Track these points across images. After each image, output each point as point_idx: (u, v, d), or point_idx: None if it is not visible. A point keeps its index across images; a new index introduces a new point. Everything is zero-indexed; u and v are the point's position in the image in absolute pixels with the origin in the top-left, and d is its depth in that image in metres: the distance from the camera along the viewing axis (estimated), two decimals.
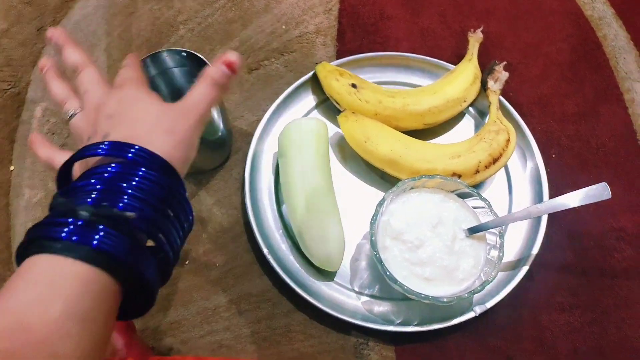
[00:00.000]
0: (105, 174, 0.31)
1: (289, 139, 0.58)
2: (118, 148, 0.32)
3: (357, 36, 0.73)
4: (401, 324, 0.54)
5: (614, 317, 0.56)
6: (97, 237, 0.28)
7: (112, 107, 0.36)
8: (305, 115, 0.66)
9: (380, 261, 0.50)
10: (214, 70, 0.38)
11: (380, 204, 0.53)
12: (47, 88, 0.41)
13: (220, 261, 0.59)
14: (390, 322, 0.54)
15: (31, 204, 0.63)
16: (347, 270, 0.57)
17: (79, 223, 0.28)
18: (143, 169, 0.32)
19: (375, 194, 0.61)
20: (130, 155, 0.32)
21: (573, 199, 0.50)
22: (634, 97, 0.68)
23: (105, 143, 0.32)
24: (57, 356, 0.25)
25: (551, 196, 0.59)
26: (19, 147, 0.66)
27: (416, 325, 0.53)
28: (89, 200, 0.29)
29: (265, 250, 0.56)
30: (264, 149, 0.63)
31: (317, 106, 0.66)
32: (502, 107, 0.64)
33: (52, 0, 0.77)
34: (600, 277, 0.58)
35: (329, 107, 0.66)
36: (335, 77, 0.63)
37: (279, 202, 0.60)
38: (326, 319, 0.55)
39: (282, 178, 0.58)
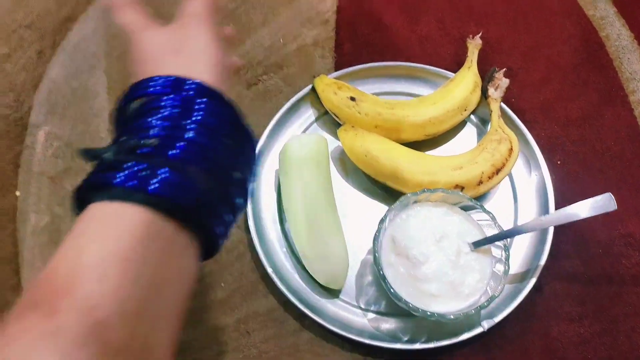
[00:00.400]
0: (163, 110, 0.31)
1: (289, 157, 0.58)
2: (176, 85, 0.32)
3: (355, 47, 0.72)
4: (409, 341, 0.53)
5: (624, 327, 0.55)
6: (154, 181, 0.27)
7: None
8: (306, 129, 0.65)
9: (384, 278, 0.50)
10: None
11: (382, 220, 0.53)
12: None
13: (226, 281, 0.59)
14: (398, 340, 0.54)
15: (38, 229, 0.63)
16: (353, 287, 0.57)
17: (135, 168, 0.27)
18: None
19: (378, 208, 0.61)
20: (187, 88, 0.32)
21: (578, 211, 0.49)
22: (639, 98, 0.67)
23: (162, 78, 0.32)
24: (90, 299, 0.24)
25: (557, 204, 0.58)
26: (23, 173, 0.67)
27: (424, 342, 0.53)
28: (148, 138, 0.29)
29: (270, 269, 0.56)
30: (265, 167, 0.63)
31: (317, 119, 0.66)
32: (504, 114, 0.63)
33: (51, 23, 0.78)
34: (609, 285, 0.57)
35: (330, 119, 0.66)
36: (334, 90, 0.62)
37: (281, 220, 0.60)
38: (333, 337, 0.55)
39: (284, 196, 0.58)
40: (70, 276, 0.25)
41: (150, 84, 0.32)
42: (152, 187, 0.27)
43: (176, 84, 0.32)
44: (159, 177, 0.27)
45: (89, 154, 0.30)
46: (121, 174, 0.27)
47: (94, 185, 0.28)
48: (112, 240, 0.26)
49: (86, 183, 0.29)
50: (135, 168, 0.27)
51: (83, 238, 0.27)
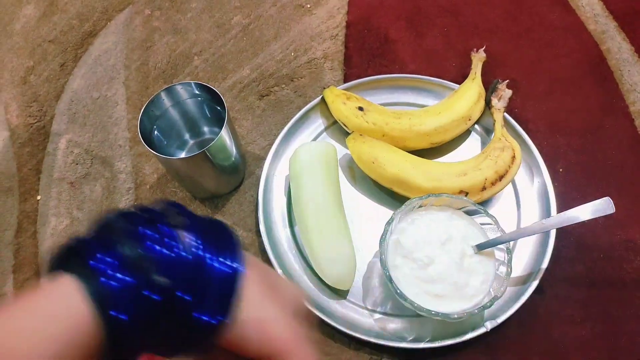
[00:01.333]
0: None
1: (300, 163, 0.60)
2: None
3: (363, 60, 0.75)
4: (414, 340, 0.55)
5: (626, 329, 0.56)
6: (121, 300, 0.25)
7: None
8: (315, 138, 0.68)
9: (391, 279, 0.52)
10: None
11: (389, 223, 0.55)
12: None
13: None
14: (403, 339, 0.55)
15: (57, 231, 0.66)
16: (360, 289, 0.59)
17: (123, 279, 0.25)
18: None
19: (384, 213, 0.63)
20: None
21: (578, 214, 0.51)
22: (639, 109, 0.69)
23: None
24: None
25: (559, 210, 0.60)
26: (45, 178, 0.70)
27: (428, 341, 0.54)
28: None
29: (280, 271, 0.58)
30: (276, 173, 0.65)
31: (326, 129, 0.69)
32: (507, 124, 0.65)
33: (74, 38, 0.82)
34: (610, 289, 0.58)
35: (338, 129, 0.68)
36: (343, 101, 0.65)
37: (291, 223, 0.62)
38: (341, 337, 0.56)
39: (294, 200, 0.61)
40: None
41: None
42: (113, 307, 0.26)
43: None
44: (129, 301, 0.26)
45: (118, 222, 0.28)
46: (111, 272, 0.26)
47: (79, 250, 0.27)
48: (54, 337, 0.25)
49: (81, 243, 0.27)
50: (122, 279, 0.26)
51: (34, 317, 0.25)
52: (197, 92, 0.60)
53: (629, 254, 0.60)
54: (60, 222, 0.67)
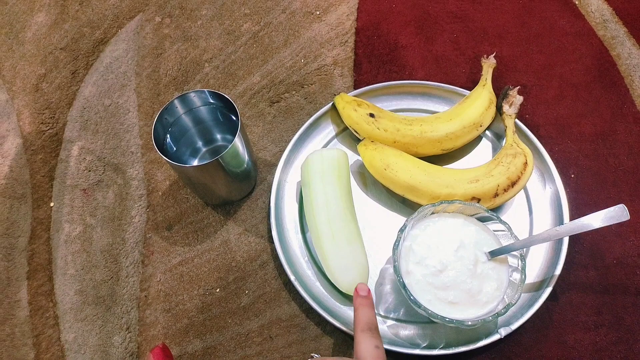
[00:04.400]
0: None
1: (311, 169, 0.61)
2: None
3: (373, 66, 0.75)
4: (427, 347, 0.55)
5: (639, 335, 0.56)
6: None
7: None
8: (326, 144, 0.68)
9: (404, 286, 0.52)
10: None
11: (401, 230, 0.55)
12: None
13: (250, 288, 0.61)
14: (417, 346, 0.55)
15: (70, 238, 0.67)
16: (373, 295, 0.59)
17: None
18: None
19: (397, 219, 0.63)
20: None
21: (592, 222, 0.51)
22: None
23: None
24: None
25: (572, 216, 0.60)
26: (58, 185, 0.71)
27: (442, 348, 0.54)
28: None
29: (292, 277, 0.58)
30: (288, 179, 0.66)
31: (337, 135, 0.69)
32: (518, 129, 0.65)
33: (85, 45, 0.82)
34: (624, 295, 0.58)
35: (349, 135, 0.68)
36: (354, 107, 0.65)
37: (303, 230, 0.63)
38: (354, 343, 0.56)
39: (306, 207, 0.61)
40: None
41: None
42: None
43: None
44: None
45: None
46: None
47: None
48: None
49: None
50: None
51: None
52: (210, 99, 0.60)
53: None
54: (74, 228, 0.67)
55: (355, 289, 0.50)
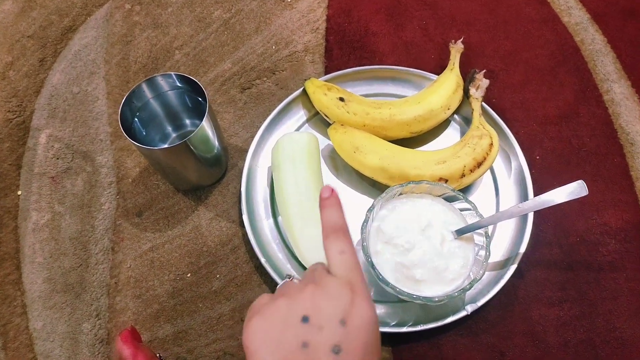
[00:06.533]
0: None
1: (282, 153, 0.61)
2: None
3: (344, 52, 0.76)
4: (396, 325, 0.56)
5: (602, 309, 0.57)
6: None
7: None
8: (297, 129, 0.69)
9: (373, 266, 0.53)
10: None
11: (370, 210, 0.55)
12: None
13: (221, 272, 0.61)
14: (386, 324, 0.56)
15: (38, 226, 0.66)
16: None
17: None
18: None
19: (367, 202, 0.63)
20: None
21: (554, 197, 0.52)
22: (613, 97, 0.71)
23: None
24: None
25: (536, 196, 0.61)
26: (25, 173, 0.69)
27: (411, 325, 0.55)
28: None
29: (263, 260, 0.58)
30: (259, 164, 0.66)
31: (308, 120, 0.69)
32: (485, 113, 0.66)
33: (53, 33, 0.81)
34: (587, 271, 0.60)
35: (320, 120, 0.69)
36: (324, 92, 0.66)
37: (274, 213, 0.63)
38: None
39: (277, 189, 0.61)
40: None
41: None
42: None
43: None
44: None
45: None
46: None
47: None
48: None
49: None
50: None
51: None
52: (178, 83, 0.60)
53: (605, 237, 0.61)
54: (42, 216, 0.66)
55: (320, 193, 0.40)
